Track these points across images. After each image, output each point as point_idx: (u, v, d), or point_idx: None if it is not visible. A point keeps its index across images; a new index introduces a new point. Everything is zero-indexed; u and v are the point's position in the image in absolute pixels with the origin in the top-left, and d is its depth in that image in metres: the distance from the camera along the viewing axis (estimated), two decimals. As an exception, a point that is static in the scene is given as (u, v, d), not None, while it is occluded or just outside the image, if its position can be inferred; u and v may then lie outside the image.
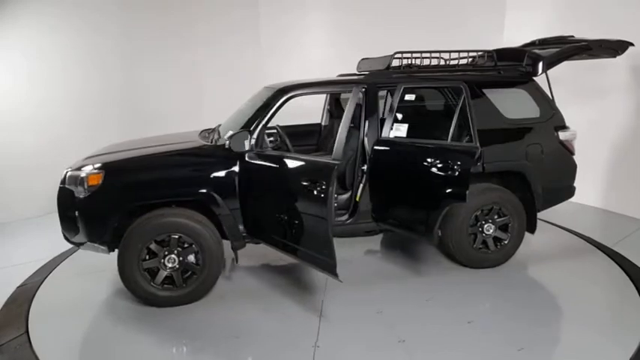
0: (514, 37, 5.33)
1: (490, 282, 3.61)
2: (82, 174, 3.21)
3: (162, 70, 6.66)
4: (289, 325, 3.07)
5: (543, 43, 4.25)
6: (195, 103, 6.78)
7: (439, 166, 3.22)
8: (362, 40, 6.22)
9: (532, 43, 4.37)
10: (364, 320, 3.08)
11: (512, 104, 3.85)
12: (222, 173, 3.34)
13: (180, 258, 3.23)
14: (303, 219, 3.02)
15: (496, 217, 3.76)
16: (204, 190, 3.28)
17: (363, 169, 3.65)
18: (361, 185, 3.65)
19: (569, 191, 4.10)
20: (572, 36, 4.13)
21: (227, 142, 3.28)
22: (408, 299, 3.36)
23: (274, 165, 3.26)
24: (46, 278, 3.90)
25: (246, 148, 3.28)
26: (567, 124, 3.98)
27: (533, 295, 3.46)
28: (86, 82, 6.16)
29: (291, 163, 3.16)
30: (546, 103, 3.92)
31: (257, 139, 3.37)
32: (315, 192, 2.88)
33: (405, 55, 3.78)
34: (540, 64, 3.81)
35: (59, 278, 3.94)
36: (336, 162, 2.93)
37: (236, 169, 3.34)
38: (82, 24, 6.06)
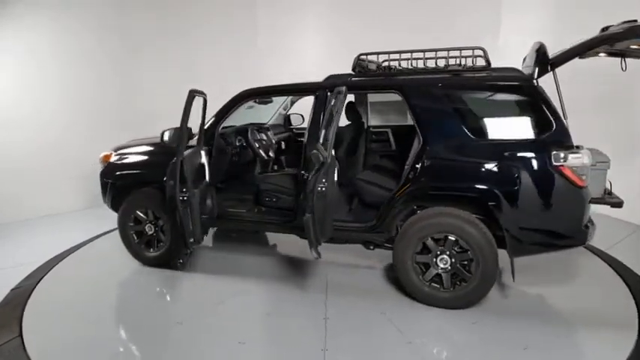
0: (509, 39, 5.30)
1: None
2: (101, 153, 4.25)
3: (160, 71, 6.66)
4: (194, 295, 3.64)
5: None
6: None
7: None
8: (360, 42, 6.12)
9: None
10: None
11: (498, 113, 3.22)
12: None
13: (157, 228, 3.98)
14: None
15: (456, 249, 3.15)
16: (159, 179, 3.71)
17: (302, 174, 3.52)
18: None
19: (577, 236, 3.03)
20: (636, 20, 2.94)
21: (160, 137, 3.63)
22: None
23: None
24: (40, 281, 3.88)
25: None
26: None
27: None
28: (84, 84, 6.15)
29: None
30: (546, 113, 2.98)
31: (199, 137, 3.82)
32: None
33: (369, 57, 3.60)
34: (541, 64, 3.03)
35: (53, 281, 3.92)
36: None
37: None
38: (79, 25, 6.05)
